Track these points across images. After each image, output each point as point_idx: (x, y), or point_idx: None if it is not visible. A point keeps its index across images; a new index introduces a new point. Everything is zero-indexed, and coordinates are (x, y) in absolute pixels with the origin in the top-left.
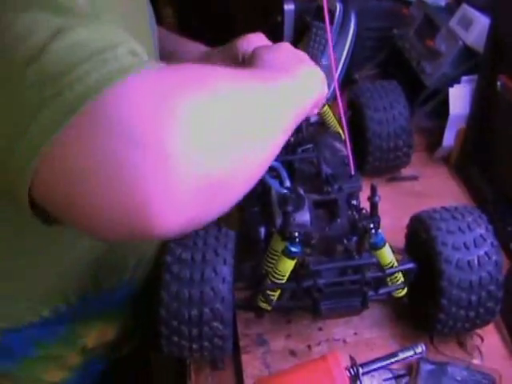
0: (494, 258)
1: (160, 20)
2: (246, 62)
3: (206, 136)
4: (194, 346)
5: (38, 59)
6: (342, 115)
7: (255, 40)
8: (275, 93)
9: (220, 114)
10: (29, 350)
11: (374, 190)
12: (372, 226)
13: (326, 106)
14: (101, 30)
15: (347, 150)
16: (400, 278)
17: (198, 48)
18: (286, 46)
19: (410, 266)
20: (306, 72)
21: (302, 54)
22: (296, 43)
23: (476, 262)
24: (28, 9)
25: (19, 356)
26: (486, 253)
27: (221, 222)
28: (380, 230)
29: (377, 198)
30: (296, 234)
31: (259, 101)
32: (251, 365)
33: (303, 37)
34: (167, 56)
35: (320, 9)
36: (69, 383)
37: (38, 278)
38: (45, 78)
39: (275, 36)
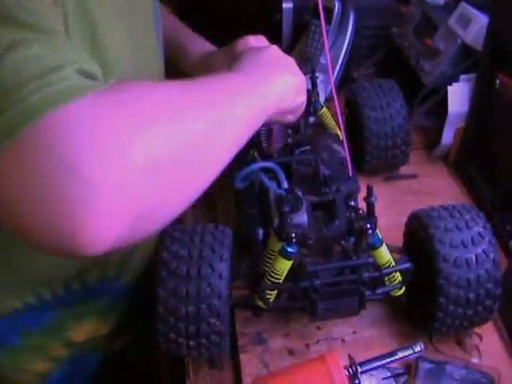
0: (491, 255)
1: None
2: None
3: (139, 170)
4: (192, 344)
5: None
6: (340, 116)
7: (254, 42)
8: (225, 110)
9: (157, 150)
10: (13, 339)
11: (370, 190)
12: (369, 226)
13: (324, 108)
14: (55, 48)
15: (345, 152)
16: (398, 277)
17: (205, 46)
18: (272, 50)
19: (407, 265)
20: (283, 80)
21: (287, 60)
22: (294, 42)
23: (474, 260)
24: None
25: (3, 345)
26: (483, 251)
27: (220, 223)
28: (377, 230)
29: (373, 199)
30: (293, 235)
31: (204, 129)
32: (249, 364)
33: (302, 35)
34: (175, 46)
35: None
36: (56, 375)
37: (22, 266)
38: None
39: (274, 34)
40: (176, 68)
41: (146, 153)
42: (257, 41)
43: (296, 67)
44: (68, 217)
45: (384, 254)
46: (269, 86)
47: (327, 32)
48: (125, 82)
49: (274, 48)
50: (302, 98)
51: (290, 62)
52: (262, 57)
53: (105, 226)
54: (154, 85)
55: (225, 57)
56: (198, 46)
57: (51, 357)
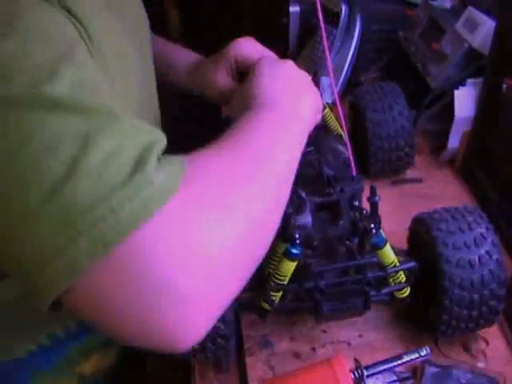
0: (495, 256)
1: (166, 21)
2: (245, 83)
3: (221, 271)
4: (197, 347)
5: (64, 188)
6: (342, 117)
7: (245, 45)
8: (279, 177)
9: (238, 244)
10: (25, 379)
11: (373, 190)
12: (372, 226)
13: (327, 109)
14: (127, 133)
15: (348, 152)
16: (402, 278)
17: (190, 56)
18: (288, 68)
19: (412, 264)
20: (309, 106)
21: (304, 77)
22: (301, 45)
23: (477, 260)
24: (52, 110)
25: None
26: (487, 252)
27: None
28: (381, 230)
29: (376, 198)
30: (297, 236)
31: (269, 200)
32: (255, 367)
33: (309, 39)
34: (161, 60)
35: (326, 11)
36: None
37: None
38: (71, 212)
39: (281, 38)
40: (166, 81)
41: (230, 253)
42: (247, 42)
43: (311, 82)
44: (164, 333)
45: (388, 254)
46: (300, 118)
47: (334, 36)
48: (194, 165)
49: (289, 65)
50: (319, 118)
51: (306, 78)
52: (282, 78)
53: (197, 334)
54: (217, 168)
55: (218, 64)
56: (184, 56)
57: None
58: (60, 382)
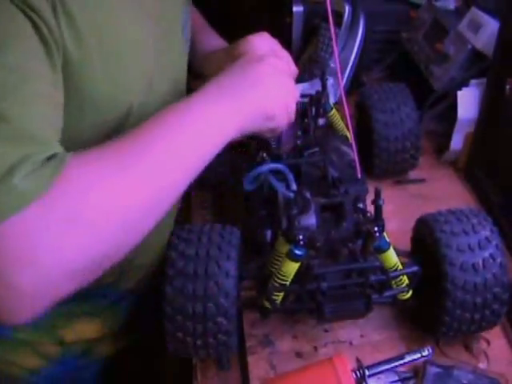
0: (498, 259)
1: None
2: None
3: (56, 276)
4: (199, 343)
5: None
6: (348, 118)
7: (256, 42)
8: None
9: (77, 257)
10: (5, 332)
11: (378, 193)
12: (376, 229)
13: (334, 110)
14: (6, 142)
15: (354, 153)
16: (405, 280)
17: (217, 43)
18: (267, 66)
19: (414, 269)
20: (255, 106)
21: (278, 80)
22: (305, 45)
23: (481, 264)
24: None
25: None
26: (490, 255)
27: (228, 223)
28: (384, 234)
29: (381, 202)
30: (300, 237)
31: (146, 210)
32: (257, 366)
33: (312, 39)
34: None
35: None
36: (46, 373)
37: None
38: None
39: (284, 37)
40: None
41: (70, 264)
42: (259, 39)
43: (286, 88)
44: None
45: (391, 258)
46: (244, 117)
47: (337, 36)
48: (71, 172)
49: (269, 63)
50: (274, 124)
51: (280, 81)
52: (251, 72)
53: (23, 318)
54: (97, 178)
55: (226, 57)
56: (210, 41)
57: (42, 353)
58: (39, 341)
